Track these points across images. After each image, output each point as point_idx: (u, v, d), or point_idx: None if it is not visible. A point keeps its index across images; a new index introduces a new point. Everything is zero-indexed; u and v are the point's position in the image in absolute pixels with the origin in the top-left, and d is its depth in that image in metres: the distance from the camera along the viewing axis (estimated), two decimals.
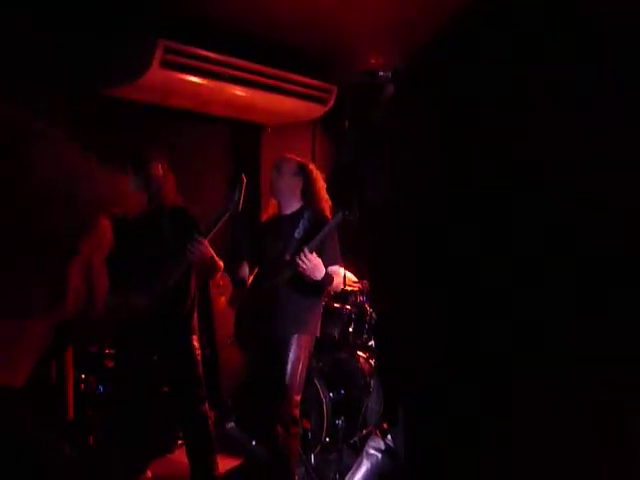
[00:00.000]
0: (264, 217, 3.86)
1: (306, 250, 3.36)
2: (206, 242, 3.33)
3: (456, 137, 0.35)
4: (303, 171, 3.64)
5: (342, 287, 3.94)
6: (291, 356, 3.54)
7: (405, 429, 0.42)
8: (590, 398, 0.35)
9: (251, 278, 3.74)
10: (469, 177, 0.34)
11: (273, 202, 3.76)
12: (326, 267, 3.52)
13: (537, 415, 0.35)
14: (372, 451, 0.99)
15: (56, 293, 0.72)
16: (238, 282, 3.79)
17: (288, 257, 3.50)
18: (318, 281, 3.45)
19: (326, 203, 3.69)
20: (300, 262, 3.35)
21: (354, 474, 1.07)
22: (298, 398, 3.57)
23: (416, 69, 0.39)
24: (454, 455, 0.38)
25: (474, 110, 0.34)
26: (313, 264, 3.37)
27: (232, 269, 3.81)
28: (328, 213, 3.66)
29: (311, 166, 3.72)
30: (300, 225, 3.57)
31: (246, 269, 3.76)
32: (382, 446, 0.91)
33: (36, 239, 0.69)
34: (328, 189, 3.72)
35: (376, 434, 0.91)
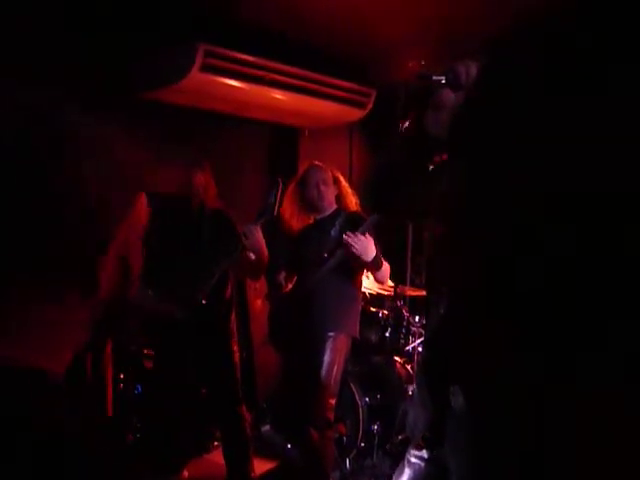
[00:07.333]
0: (294, 226, 3.81)
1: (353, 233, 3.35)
2: (259, 229, 3.29)
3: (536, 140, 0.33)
4: (336, 177, 3.75)
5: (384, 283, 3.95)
6: (326, 358, 3.50)
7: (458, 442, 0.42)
8: None
9: (289, 285, 3.73)
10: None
11: (293, 215, 3.74)
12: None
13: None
14: (414, 460, 0.98)
15: (90, 283, 0.71)
16: (276, 286, 3.79)
17: (325, 254, 3.50)
18: (367, 264, 3.43)
19: (356, 204, 3.75)
20: (350, 240, 3.32)
21: None
22: (333, 402, 3.52)
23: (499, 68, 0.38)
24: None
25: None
26: (364, 243, 3.34)
27: (269, 274, 3.81)
28: (360, 212, 3.71)
29: (336, 171, 3.80)
30: (336, 224, 3.60)
31: (283, 275, 3.76)
32: (425, 455, 0.90)
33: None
34: (369, 190, 3.72)
35: (419, 444, 0.90)
